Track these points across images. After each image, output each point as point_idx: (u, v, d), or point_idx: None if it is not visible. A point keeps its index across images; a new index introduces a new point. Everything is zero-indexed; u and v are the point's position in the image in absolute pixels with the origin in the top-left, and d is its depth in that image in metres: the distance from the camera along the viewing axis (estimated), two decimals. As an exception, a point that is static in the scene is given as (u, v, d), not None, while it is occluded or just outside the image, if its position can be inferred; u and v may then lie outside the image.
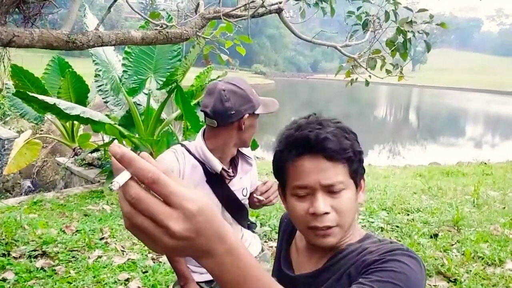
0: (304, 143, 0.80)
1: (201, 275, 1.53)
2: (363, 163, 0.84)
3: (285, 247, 0.99)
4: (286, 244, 1.00)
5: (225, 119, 1.35)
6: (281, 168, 0.84)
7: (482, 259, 2.96)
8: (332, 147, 0.78)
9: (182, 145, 1.47)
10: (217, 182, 1.43)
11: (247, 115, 1.36)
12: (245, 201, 1.53)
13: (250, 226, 1.60)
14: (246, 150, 1.54)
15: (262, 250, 1.66)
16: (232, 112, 1.34)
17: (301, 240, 0.95)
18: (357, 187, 0.83)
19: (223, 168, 1.41)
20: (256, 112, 1.39)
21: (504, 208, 4.26)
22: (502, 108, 32.91)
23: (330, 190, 0.80)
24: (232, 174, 1.46)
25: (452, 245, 3.23)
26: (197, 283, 1.51)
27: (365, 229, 3.67)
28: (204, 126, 1.46)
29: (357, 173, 0.82)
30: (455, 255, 3.04)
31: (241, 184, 1.50)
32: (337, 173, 0.79)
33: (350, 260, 0.80)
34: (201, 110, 1.41)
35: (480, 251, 3.05)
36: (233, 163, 1.50)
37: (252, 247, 1.61)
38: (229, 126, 1.37)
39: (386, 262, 0.74)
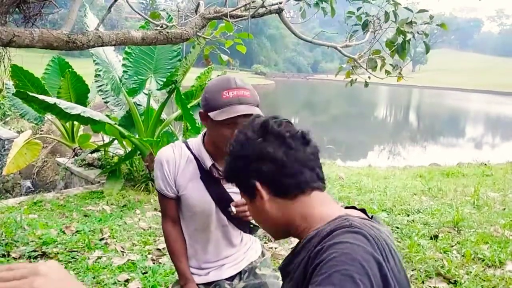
0: None
1: (200, 277, 1.52)
2: (248, 177, 0.88)
3: None
4: None
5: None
6: None
7: (482, 260, 2.96)
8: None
9: (184, 141, 1.48)
10: (210, 179, 1.42)
11: (201, 111, 1.35)
12: None
13: (252, 230, 1.58)
14: None
15: (263, 254, 1.63)
16: (200, 106, 1.38)
17: None
18: (255, 197, 0.88)
19: (213, 165, 1.40)
20: (210, 114, 1.29)
21: (504, 209, 4.26)
22: (503, 109, 32.89)
23: None
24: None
25: (452, 246, 3.23)
26: (197, 285, 1.50)
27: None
28: None
29: (245, 189, 0.90)
30: (455, 257, 3.03)
31: None
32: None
33: (309, 246, 0.79)
34: None
35: (480, 252, 3.04)
36: None
37: (251, 251, 1.59)
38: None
39: (327, 249, 0.71)
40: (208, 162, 1.40)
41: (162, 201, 1.47)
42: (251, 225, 1.56)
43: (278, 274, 1.66)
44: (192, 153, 1.42)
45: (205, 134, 1.44)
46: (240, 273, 1.55)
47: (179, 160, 1.41)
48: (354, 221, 0.77)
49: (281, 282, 1.56)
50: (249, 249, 1.59)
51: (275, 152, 0.84)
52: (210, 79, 5.48)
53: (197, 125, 4.49)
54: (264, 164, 0.85)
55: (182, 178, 1.40)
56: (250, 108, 1.27)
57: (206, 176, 1.41)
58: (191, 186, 1.41)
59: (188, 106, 4.61)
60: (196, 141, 1.45)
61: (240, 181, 0.91)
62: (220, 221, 1.47)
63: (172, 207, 1.47)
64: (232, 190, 1.45)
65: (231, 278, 1.53)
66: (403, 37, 3.00)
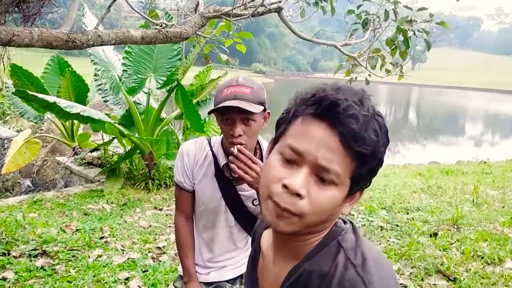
0: (328, 106, 0.64)
1: (200, 275, 1.52)
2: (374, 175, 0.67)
3: (251, 262, 0.87)
4: (252, 259, 0.87)
5: None
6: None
7: (482, 258, 2.97)
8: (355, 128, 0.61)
9: (207, 138, 1.50)
10: (224, 179, 1.42)
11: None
12: (254, 211, 1.48)
13: None
14: None
15: None
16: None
17: (268, 237, 0.81)
18: (350, 194, 0.66)
19: (226, 164, 1.40)
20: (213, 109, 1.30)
21: (504, 207, 4.27)
22: (502, 107, 32.91)
23: (319, 175, 0.63)
24: (235, 175, 1.41)
25: (452, 244, 3.24)
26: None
27: (365, 228, 3.68)
28: None
29: (360, 179, 0.65)
30: (455, 254, 3.04)
31: (253, 193, 1.44)
32: (339, 162, 0.62)
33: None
34: None
35: (480, 250, 3.05)
36: None
37: None
38: None
39: None
40: (222, 160, 1.41)
41: (179, 194, 1.49)
42: None
43: None
44: (211, 150, 1.45)
45: None
46: (241, 276, 1.55)
47: (198, 154, 1.44)
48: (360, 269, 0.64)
49: None
50: None
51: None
52: (210, 79, 5.50)
53: (201, 121, 4.49)
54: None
55: (198, 172, 1.43)
56: (243, 103, 1.23)
57: (220, 174, 1.42)
58: (205, 181, 1.43)
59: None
60: (217, 139, 1.47)
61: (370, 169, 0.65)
62: (227, 221, 1.48)
63: (187, 201, 1.49)
64: (243, 192, 1.44)
65: (232, 281, 1.53)
66: (404, 35, 3.00)
